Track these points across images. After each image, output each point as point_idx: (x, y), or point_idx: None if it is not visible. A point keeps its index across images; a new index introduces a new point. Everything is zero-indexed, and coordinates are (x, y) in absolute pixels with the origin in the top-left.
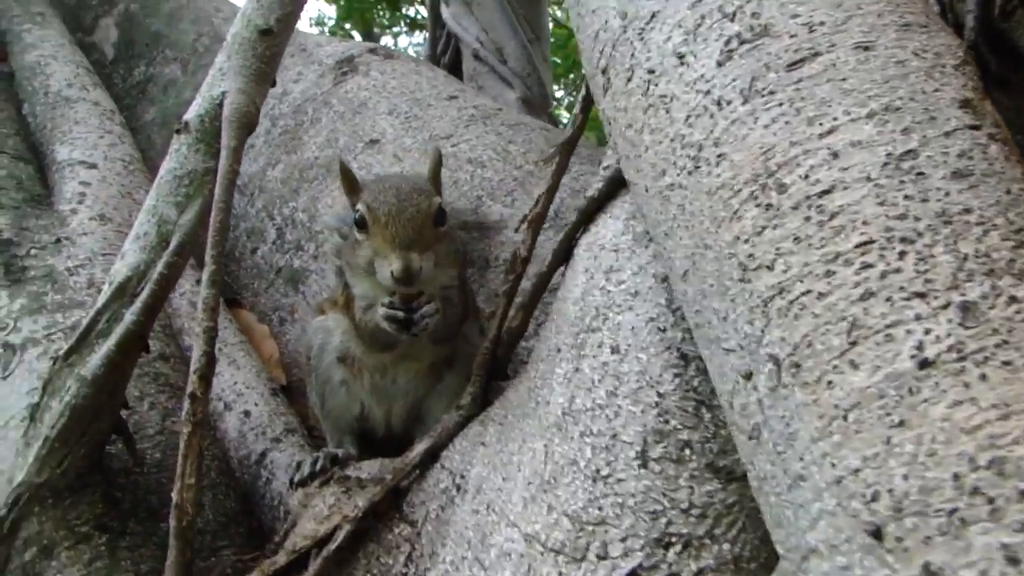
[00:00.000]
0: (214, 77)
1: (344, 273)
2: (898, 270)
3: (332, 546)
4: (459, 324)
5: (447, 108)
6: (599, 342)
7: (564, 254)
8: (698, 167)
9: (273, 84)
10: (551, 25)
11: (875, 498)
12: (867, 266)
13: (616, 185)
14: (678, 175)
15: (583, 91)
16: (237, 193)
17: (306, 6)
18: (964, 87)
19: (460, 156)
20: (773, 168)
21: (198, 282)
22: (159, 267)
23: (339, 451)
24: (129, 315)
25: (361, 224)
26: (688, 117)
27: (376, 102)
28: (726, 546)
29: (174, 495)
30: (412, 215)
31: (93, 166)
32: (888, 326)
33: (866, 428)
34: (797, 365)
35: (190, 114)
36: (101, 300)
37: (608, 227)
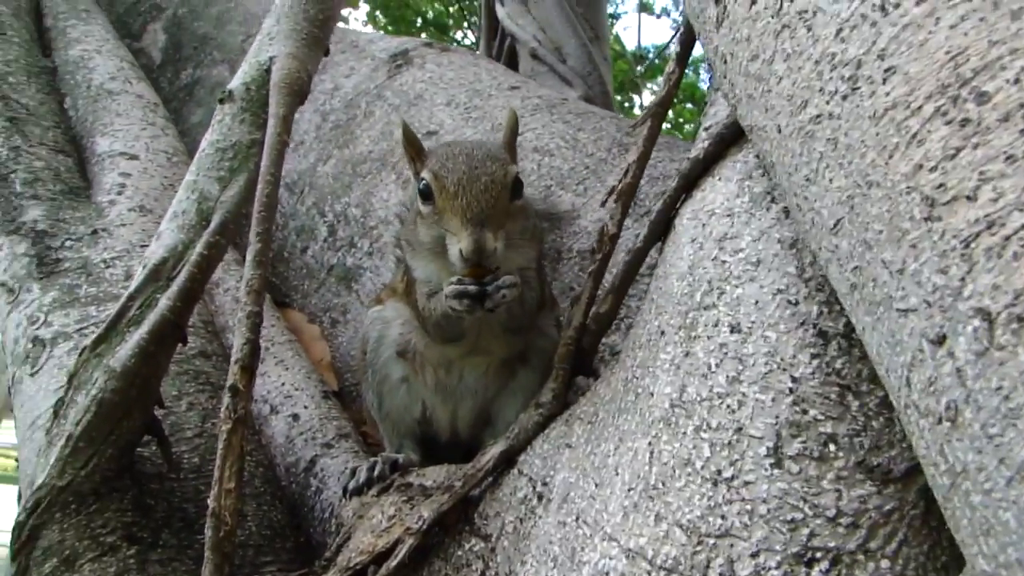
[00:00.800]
0: (261, 43)
1: (404, 261)
2: None
3: (392, 563)
4: (536, 312)
5: (509, 98)
6: (715, 320)
7: (662, 226)
8: (856, 88)
9: (326, 53)
10: None
11: None
12: None
13: (724, 144)
14: (827, 103)
15: (676, 47)
16: (286, 191)
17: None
18: None
19: (526, 145)
20: (967, 75)
21: None
22: (198, 247)
23: (399, 456)
24: (164, 300)
25: (426, 195)
26: (840, 31)
27: (433, 94)
28: (884, 563)
29: (211, 502)
30: (486, 185)
31: (134, 157)
32: None
33: None
34: (1021, 319)
35: (235, 82)
36: (134, 284)
37: (718, 190)
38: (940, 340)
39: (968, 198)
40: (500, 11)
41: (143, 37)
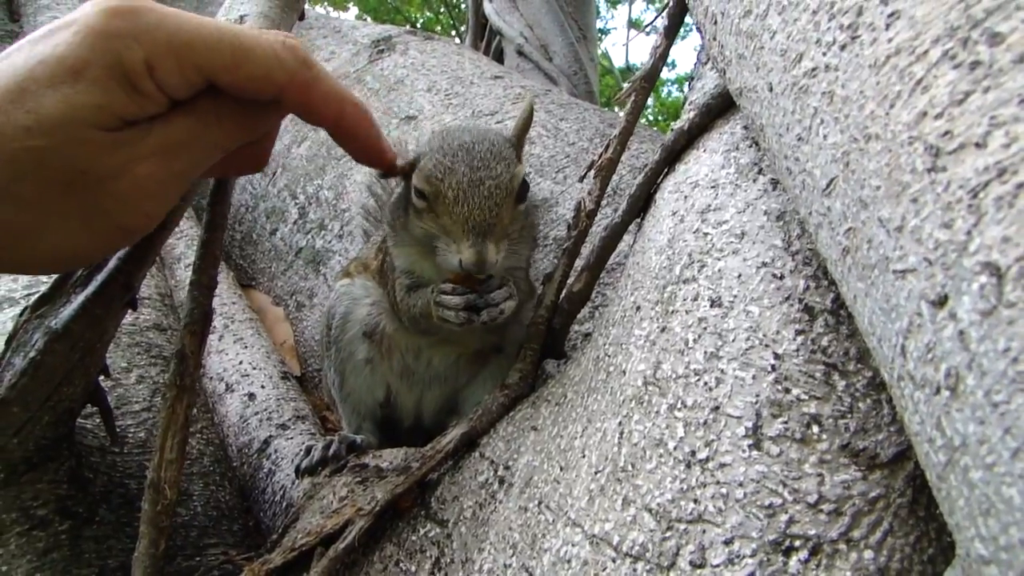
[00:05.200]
0: (232, 0)
1: (385, 244)
2: None
3: (340, 545)
4: (519, 309)
5: (492, 86)
6: (694, 294)
7: (642, 201)
8: (856, 36)
9: (301, 17)
10: None
11: None
12: None
13: (710, 116)
14: (824, 54)
15: (664, 20)
16: (258, 173)
17: None
18: None
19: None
20: (979, 16)
21: None
22: None
23: (358, 437)
24: (113, 261)
25: (421, 193)
26: None
27: (414, 79)
28: (868, 554)
29: (150, 472)
30: (490, 191)
31: None
32: None
33: None
34: None
35: None
36: None
37: (702, 162)
38: (941, 301)
39: (977, 145)
40: (488, 7)
41: None
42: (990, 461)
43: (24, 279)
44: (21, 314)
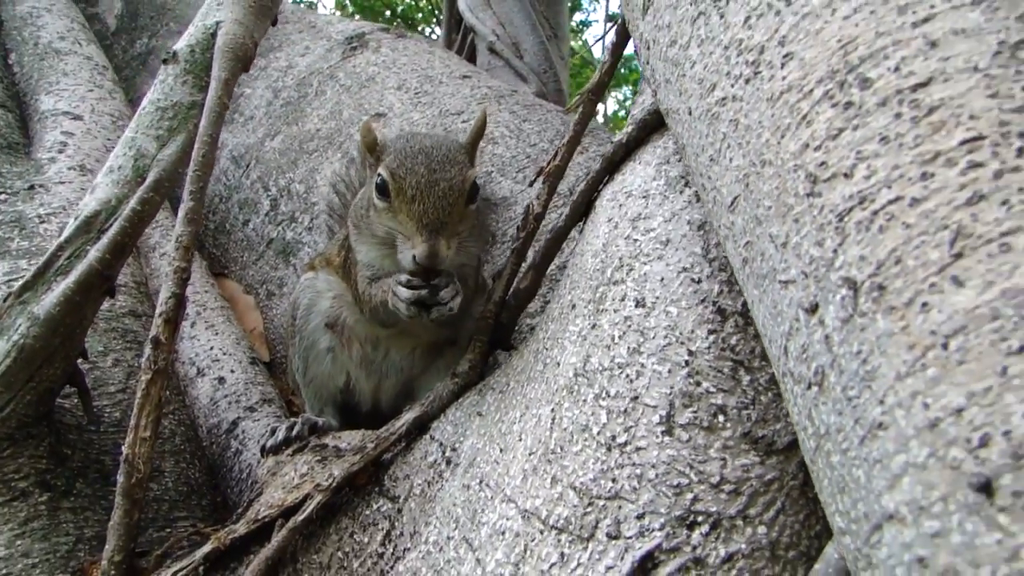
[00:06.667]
0: (209, 6)
1: (347, 240)
2: (1017, 168)
3: (300, 517)
4: (469, 305)
5: (459, 86)
6: (622, 295)
7: (584, 207)
8: (758, 72)
9: (274, 23)
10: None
11: (984, 443)
12: (976, 165)
13: (647, 130)
14: (732, 86)
15: (612, 33)
16: (232, 164)
17: None
18: None
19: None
20: (855, 62)
21: None
22: (132, 203)
23: (320, 419)
24: (94, 252)
25: (382, 190)
26: (748, 19)
27: (385, 77)
28: (761, 529)
29: (125, 448)
30: (444, 192)
31: (78, 117)
32: (1005, 233)
33: (973, 357)
34: (881, 287)
35: (180, 44)
36: (64, 235)
37: (637, 173)
38: (813, 309)
39: (845, 175)
40: (461, 3)
41: (99, 2)
42: (845, 447)
43: (4, 266)
44: (4, 300)
